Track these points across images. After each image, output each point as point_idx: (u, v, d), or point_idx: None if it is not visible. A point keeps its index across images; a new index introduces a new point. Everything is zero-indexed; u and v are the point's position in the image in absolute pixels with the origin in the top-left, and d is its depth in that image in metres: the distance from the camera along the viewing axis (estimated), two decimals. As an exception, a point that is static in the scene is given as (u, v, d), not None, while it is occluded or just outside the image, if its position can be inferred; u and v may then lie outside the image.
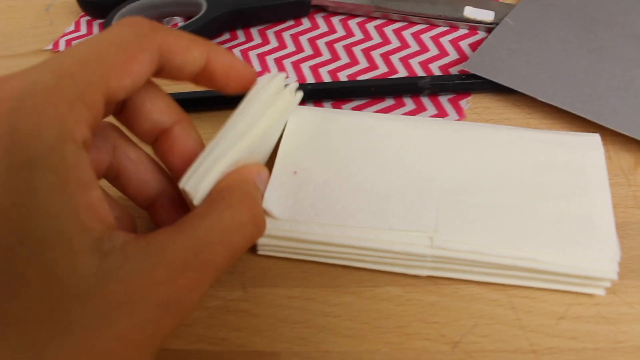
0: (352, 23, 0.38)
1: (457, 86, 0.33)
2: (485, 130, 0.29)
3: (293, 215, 0.26)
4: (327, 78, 0.35)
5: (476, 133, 0.29)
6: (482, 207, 0.26)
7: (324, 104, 0.34)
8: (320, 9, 0.40)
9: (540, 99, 0.31)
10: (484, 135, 0.29)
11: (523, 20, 0.36)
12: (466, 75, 0.33)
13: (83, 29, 0.41)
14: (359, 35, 0.38)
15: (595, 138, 0.29)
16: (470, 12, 0.37)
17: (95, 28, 0.40)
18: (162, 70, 0.22)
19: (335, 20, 0.39)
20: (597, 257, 0.24)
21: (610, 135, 0.30)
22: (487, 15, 0.36)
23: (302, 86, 0.33)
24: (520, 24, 0.35)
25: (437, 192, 0.27)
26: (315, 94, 0.33)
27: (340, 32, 0.38)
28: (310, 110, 0.31)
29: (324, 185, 0.27)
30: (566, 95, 0.31)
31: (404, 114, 0.33)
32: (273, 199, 0.27)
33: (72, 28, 0.41)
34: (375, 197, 0.27)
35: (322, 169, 0.28)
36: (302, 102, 0.33)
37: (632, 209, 0.28)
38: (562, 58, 0.33)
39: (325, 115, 0.30)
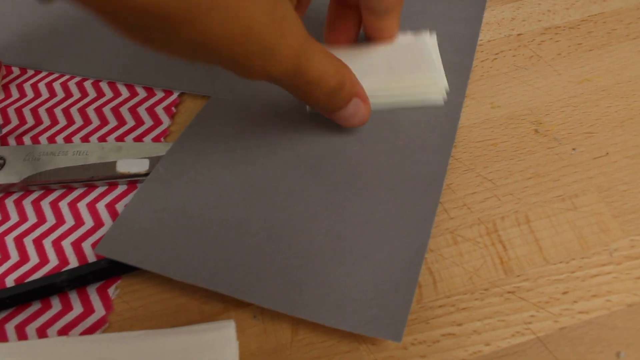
0: (9, 202, 0.34)
1: (101, 274, 0.29)
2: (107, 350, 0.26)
3: None
4: (-26, 287, 0.31)
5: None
6: None
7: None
8: (-25, 192, 0.35)
9: (173, 277, 0.28)
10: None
11: (177, 165, 0.32)
12: (107, 260, 0.29)
13: None
14: (14, 218, 0.33)
15: (229, 331, 0.26)
16: (123, 166, 0.33)
17: None
18: None
19: (-8, 201, 0.34)
20: None
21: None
22: (141, 166, 0.33)
23: None
24: (171, 172, 0.32)
25: None
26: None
27: (-4, 217, 0.34)
28: None
29: None
30: (206, 268, 0.28)
31: (51, 318, 0.30)
32: None
33: None
34: None
35: None
36: None
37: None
38: (209, 216, 0.30)
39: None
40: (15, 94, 0.40)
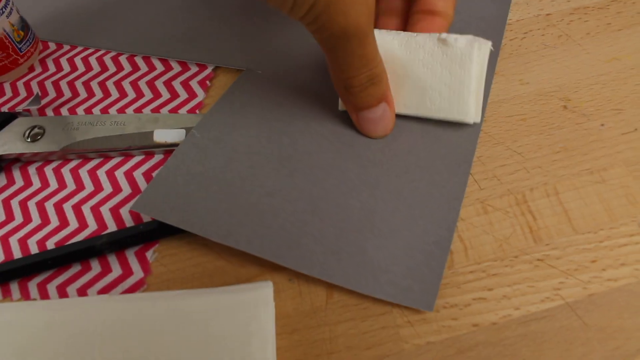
0: (48, 170, 0.35)
1: (139, 238, 0.30)
2: (143, 311, 0.27)
3: None
4: (16, 248, 0.32)
5: (130, 316, 0.27)
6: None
7: (10, 285, 0.31)
8: (15, 160, 0.36)
9: (214, 239, 0.28)
10: (142, 317, 0.26)
11: (212, 131, 0.33)
12: (145, 224, 0.30)
13: None
14: (54, 185, 0.34)
15: (267, 291, 0.27)
16: (160, 135, 0.34)
17: None
18: None
19: (32, 170, 0.35)
20: None
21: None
22: (178, 136, 0.34)
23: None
24: (207, 138, 0.33)
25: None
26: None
27: (36, 184, 0.35)
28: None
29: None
30: (244, 232, 0.29)
31: (91, 279, 0.30)
32: None
33: None
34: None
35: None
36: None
37: None
38: (246, 183, 0.31)
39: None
40: (52, 68, 0.41)
